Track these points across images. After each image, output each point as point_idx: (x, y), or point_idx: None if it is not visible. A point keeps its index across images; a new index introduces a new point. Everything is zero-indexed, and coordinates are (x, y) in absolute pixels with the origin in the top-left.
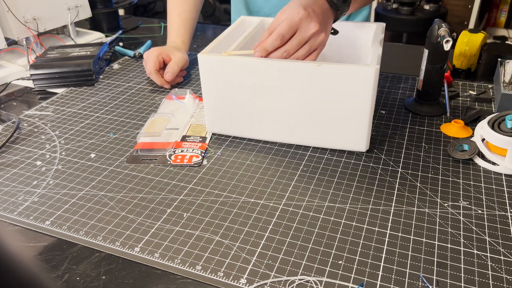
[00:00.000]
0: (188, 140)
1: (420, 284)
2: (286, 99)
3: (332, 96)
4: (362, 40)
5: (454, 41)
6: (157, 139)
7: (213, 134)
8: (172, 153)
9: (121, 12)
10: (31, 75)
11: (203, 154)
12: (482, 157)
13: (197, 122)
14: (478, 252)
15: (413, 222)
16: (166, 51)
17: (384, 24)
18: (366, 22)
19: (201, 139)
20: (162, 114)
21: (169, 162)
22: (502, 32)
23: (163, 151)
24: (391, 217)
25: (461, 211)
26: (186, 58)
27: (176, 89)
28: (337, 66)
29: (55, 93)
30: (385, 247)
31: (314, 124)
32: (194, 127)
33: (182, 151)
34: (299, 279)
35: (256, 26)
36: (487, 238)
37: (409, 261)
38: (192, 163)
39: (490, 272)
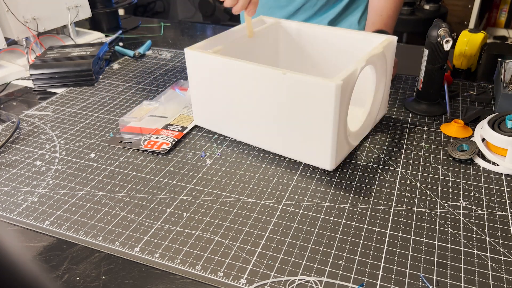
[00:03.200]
0: (169, 128)
1: (420, 284)
2: (257, 104)
3: (297, 107)
4: (362, 50)
5: (454, 41)
6: (141, 124)
7: (196, 126)
8: (148, 138)
9: (121, 12)
10: (31, 75)
11: (173, 142)
12: (482, 157)
13: (188, 113)
14: (478, 252)
15: (413, 222)
16: None
17: (393, 39)
18: (376, 33)
19: (180, 129)
20: (151, 102)
21: (140, 147)
22: (502, 32)
23: (141, 136)
24: (391, 217)
25: (461, 211)
26: None
27: (182, 80)
28: (299, 76)
29: (55, 93)
30: (385, 247)
31: (283, 134)
32: (182, 117)
33: (157, 137)
34: (299, 279)
35: (267, 26)
36: (487, 238)
37: (409, 261)
38: (160, 150)
39: (490, 272)
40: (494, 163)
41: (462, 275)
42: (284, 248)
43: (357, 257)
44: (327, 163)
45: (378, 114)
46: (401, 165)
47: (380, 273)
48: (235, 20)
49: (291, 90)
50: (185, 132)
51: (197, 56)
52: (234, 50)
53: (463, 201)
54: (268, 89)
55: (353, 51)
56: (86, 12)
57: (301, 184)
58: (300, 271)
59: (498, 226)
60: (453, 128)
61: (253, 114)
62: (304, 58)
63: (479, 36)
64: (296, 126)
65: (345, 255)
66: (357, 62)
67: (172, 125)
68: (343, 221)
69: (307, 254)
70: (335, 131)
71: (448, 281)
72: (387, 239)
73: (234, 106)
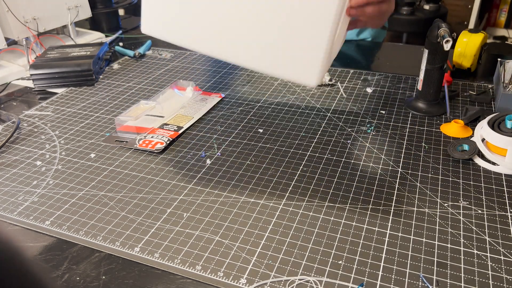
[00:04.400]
0: (165, 128)
1: (420, 284)
2: (234, 3)
3: (288, 6)
4: None
5: (454, 41)
6: (137, 123)
7: (195, 125)
8: (143, 137)
9: (121, 12)
10: (31, 75)
11: (168, 142)
12: (482, 157)
13: (185, 113)
14: (478, 252)
15: (413, 222)
16: None
17: None
18: None
19: (176, 128)
20: (148, 102)
21: (135, 146)
22: (502, 32)
23: (137, 135)
24: (391, 217)
25: (461, 211)
26: None
27: (181, 80)
28: None
29: (55, 93)
30: (385, 247)
31: (262, 41)
32: (179, 117)
33: (152, 137)
34: (299, 279)
35: None
36: (487, 238)
37: (409, 261)
38: (154, 149)
39: (490, 272)
40: (494, 163)
41: (462, 275)
42: (284, 248)
43: (357, 257)
44: (313, 77)
45: (340, 44)
46: (401, 165)
47: (380, 273)
48: None
49: None
50: (180, 132)
51: None
52: None
53: (463, 201)
54: None
55: None
56: (86, 12)
57: (301, 184)
58: (300, 271)
59: (498, 226)
60: (453, 128)
61: (224, 16)
62: None
63: (479, 36)
64: (281, 30)
65: (345, 255)
66: None
67: (168, 124)
68: (343, 221)
69: (307, 254)
70: (330, 37)
71: (448, 281)
72: (387, 239)
73: (203, 7)
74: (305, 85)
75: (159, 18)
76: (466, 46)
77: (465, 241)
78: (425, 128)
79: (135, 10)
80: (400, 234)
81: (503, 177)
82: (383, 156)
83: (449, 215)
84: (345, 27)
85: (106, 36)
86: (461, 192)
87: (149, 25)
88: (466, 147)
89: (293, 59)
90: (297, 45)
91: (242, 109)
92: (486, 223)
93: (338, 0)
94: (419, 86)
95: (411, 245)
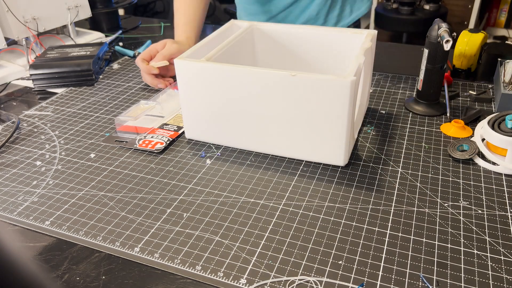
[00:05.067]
0: (165, 128)
1: (420, 284)
2: (263, 108)
3: (308, 107)
4: (350, 49)
5: (454, 41)
6: (137, 123)
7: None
8: (143, 137)
9: (121, 12)
10: (31, 75)
11: (168, 142)
12: (482, 157)
13: None
14: (478, 252)
15: (413, 222)
16: (164, 43)
17: (375, 32)
18: (357, 29)
19: (176, 128)
20: (148, 102)
21: (135, 146)
22: (502, 32)
23: (137, 135)
24: (391, 217)
25: (461, 211)
26: (181, 49)
27: None
28: (310, 76)
29: (55, 93)
30: (385, 247)
31: (291, 136)
32: (179, 117)
33: (152, 137)
34: (299, 279)
35: (244, 31)
36: (487, 238)
37: (409, 261)
38: (154, 149)
39: (490, 272)
40: (494, 163)
41: (462, 275)
42: (284, 248)
43: (357, 257)
44: (341, 159)
45: (366, 106)
46: (401, 165)
47: (380, 273)
48: None
49: (302, 91)
50: (180, 132)
51: (190, 66)
52: (220, 57)
53: (463, 201)
54: (275, 92)
55: (331, 46)
56: (86, 12)
57: (301, 184)
58: (300, 271)
59: (498, 226)
60: (453, 128)
61: (258, 120)
62: (283, 58)
63: (479, 36)
64: (306, 126)
65: (345, 255)
66: (357, 57)
67: (168, 124)
68: (343, 221)
69: (307, 254)
70: (349, 126)
71: (448, 281)
72: (387, 239)
73: (236, 114)
74: (335, 165)
75: (200, 127)
76: (466, 46)
77: (465, 241)
78: (425, 128)
79: (135, 10)
80: (400, 234)
81: (503, 177)
82: (383, 156)
83: (449, 215)
84: (366, 97)
85: (106, 36)
86: (461, 192)
87: (191, 132)
88: (466, 147)
89: (320, 147)
90: (322, 136)
91: None
92: (486, 223)
93: (349, 103)
94: (419, 86)
95: (411, 245)
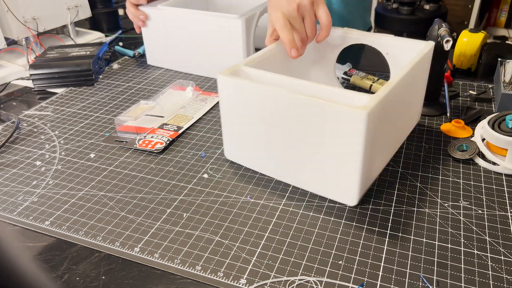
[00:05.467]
0: (165, 128)
1: (420, 284)
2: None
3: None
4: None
5: (454, 41)
6: (137, 123)
7: (195, 125)
8: (143, 137)
9: (121, 12)
10: (31, 75)
11: (168, 142)
12: (482, 157)
13: (185, 112)
14: (478, 252)
15: (413, 222)
16: None
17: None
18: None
19: (176, 128)
20: (148, 102)
21: (135, 146)
22: (502, 32)
23: (137, 135)
24: (391, 217)
25: (461, 211)
26: None
27: (181, 80)
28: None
29: (55, 93)
30: (385, 247)
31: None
32: (179, 117)
33: (152, 137)
34: (299, 279)
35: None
36: (487, 238)
37: (409, 261)
38: (154, 149)
39: (490, 272)
40: (494, 163)
41: (462, 275)
42: (284, 248)
43: (357, 257)
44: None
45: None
46: (401, 165)
47: (380, 273)
48: None
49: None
50: (180, 132)
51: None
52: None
53: (463, 201)
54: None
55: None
56: (86, 12)
57: None
58: (300, 271)
59: (498, 226)
60: (453, 128)
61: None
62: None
63: (479, 36)
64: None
65: (345, 255)
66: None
67: (168, 124)
68: (343, 221)
69: (307, 254)
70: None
71: (448, 281)
72: (387, 239)
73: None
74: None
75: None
76: (466, 46)
77: (465, 241)
78: (425, 128)
79: None
80: (400, 234)
81: (503, 177)
82: None
83: (449, 215)
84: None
85: (106, 36)
86: (461, 192)
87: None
88: (466, 147)
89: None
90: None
91: None
92: (486, 223)
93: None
94: None
95: (411, 245)
